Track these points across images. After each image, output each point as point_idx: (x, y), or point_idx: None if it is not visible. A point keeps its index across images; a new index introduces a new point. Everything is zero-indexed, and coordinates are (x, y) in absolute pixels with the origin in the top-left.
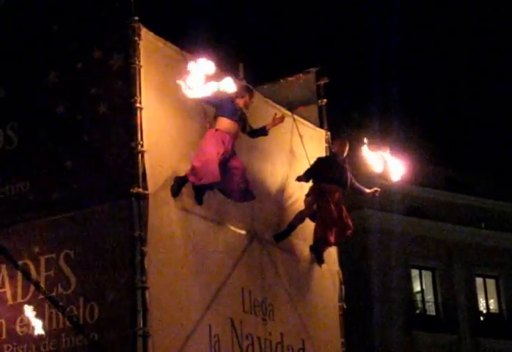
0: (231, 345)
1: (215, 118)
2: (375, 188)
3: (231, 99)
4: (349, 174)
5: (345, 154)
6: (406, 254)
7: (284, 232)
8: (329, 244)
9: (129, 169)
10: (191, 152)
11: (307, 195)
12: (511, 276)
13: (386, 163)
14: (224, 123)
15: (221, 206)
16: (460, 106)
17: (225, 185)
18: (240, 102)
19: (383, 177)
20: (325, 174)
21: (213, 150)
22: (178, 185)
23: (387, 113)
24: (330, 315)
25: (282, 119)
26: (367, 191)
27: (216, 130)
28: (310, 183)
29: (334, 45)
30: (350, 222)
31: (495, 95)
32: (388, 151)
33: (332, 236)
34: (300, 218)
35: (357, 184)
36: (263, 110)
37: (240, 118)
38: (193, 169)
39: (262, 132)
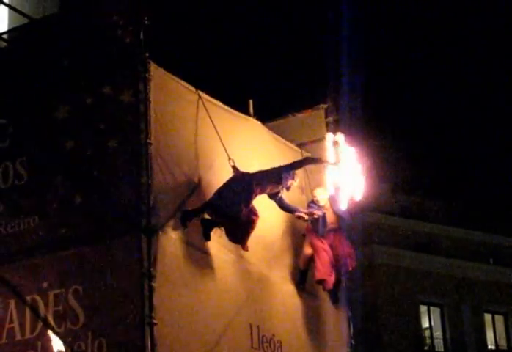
0: None
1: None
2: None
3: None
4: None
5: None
6: (414, 290)
7: (301, 278)
8: (328, 285)
9: (138, 204)
10: (200, 188)
11: (303, 234)
12: None
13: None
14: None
15: (230, 243)
16: (469, 140)
17: (236, 228)
18: (288, 181)
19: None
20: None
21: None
22: (185, 218)
23: (395, 145)
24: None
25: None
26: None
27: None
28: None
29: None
30: (353, 256)
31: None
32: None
33: (332, 276)
34: (305, 261)
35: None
36: (272, 146)
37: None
38: (214, 207)
39: (290, 211)
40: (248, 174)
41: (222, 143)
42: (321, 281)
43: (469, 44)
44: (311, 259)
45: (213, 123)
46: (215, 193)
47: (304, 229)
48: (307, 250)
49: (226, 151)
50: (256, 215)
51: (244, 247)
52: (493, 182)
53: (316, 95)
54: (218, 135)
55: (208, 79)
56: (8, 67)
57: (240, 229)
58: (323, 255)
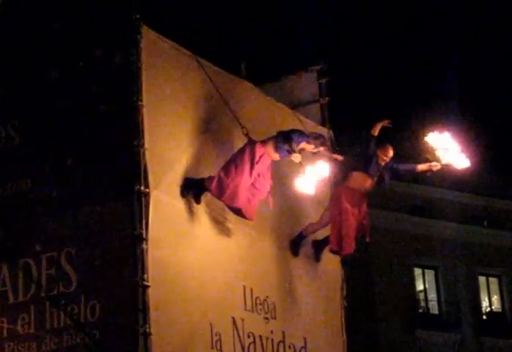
0: (232, 344)
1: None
2: (431, 164)
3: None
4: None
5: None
6: (409, 252)
7: (295, 244)
8: (343, 252)
9: (130, 167)
10: (194, 151)
11: (326, 209)
12: None
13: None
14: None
15: (223, 206)
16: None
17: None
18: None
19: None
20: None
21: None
22: (196, 192)
23: (396, 111)
24: (332, 313)
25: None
26: (420, 167)
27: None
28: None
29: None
30: (366, 225)
31: None
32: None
33: (349, 243)
34: (311, 230)
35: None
36: (265, 108)
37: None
38: (221, 184)
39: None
40: (253, 142)
41: (230, 107)
42: (336, 252)
43: None
44: (323, 226)
45: (215, 86)
46: (222, 168)
47: (334, 190)
48: (326, 216)
49: (236, 117)
50: (266, 189)
51: (250, 217)
52: (489, 146)
53: (309, 56)
54: (222, 97)
55: (200, 41)
56: None
57: (244, 202)
58: (350, 220)
